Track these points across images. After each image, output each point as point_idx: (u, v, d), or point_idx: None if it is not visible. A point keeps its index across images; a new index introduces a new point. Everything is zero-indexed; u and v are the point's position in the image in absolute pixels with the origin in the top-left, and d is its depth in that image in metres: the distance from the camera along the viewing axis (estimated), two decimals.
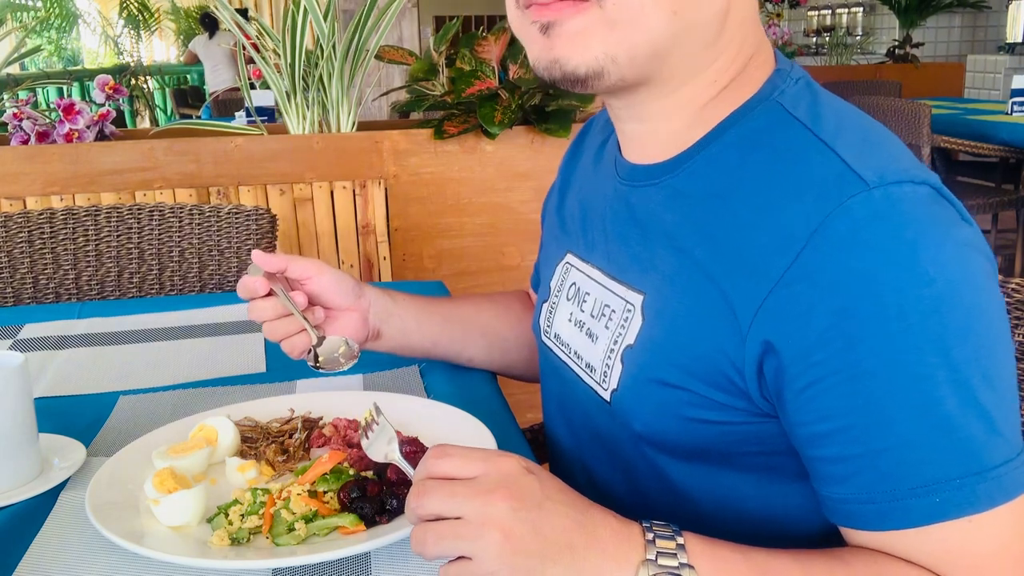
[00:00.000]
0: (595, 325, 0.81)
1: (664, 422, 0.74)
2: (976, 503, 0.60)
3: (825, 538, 0.73)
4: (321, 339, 0.93)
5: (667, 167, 0.76)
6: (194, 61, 8.67)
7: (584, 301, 0.84)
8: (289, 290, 0.93)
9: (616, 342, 0.78)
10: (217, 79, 7.80)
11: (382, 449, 0.74)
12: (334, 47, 2.23)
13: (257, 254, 0.92)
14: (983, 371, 0.61)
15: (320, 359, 0.93)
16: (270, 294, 0.92)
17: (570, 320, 0.87)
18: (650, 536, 0.62)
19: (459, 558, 0.61)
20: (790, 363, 0.64)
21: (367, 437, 0.76)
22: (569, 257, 0.90)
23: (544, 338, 0.93)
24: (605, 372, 0.79)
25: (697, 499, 0.77)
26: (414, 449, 0.76)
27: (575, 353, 0.85)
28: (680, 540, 0.62)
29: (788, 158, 0.67)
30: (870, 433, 0.61)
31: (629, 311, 0.77)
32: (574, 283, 0.87)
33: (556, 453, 0.96)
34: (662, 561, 0.61)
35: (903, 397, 0.60)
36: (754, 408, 0.69)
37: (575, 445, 0.89)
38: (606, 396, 0.79)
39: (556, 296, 0.91)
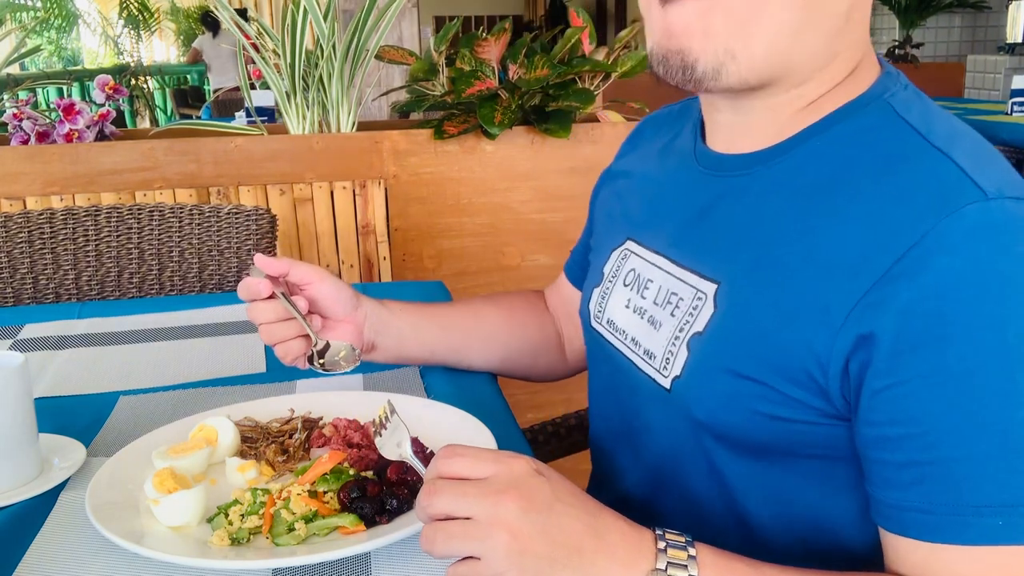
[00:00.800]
0: (659, 312, 0.80)
1: (730, 413, 0.73)
2: None
3: (870, 552, 0.72)
4: (325, 344, 0.93)
5: (762, 157, 0.75)
6: (197, 60, 8.67)
7: (646, 288, 0.83)
8: (289, 295, 0.93)
9: (682, 329, 0.76)
10: (225, 79, 7.80)
11: (395, 449, 0.75)
12: (334, 47, 2.23)
13: (260, 257, 0.92)
14: None
15: (323, 359, 0.93)
16: (271, 296, 0.92)
17: (627, 306, 0.85)
18: (662, 545, 0.62)
19: (467, 558, 0.61)
20: (878, 359, 0.62)
21: (380, 435, 0.76)
22: (629, 244, 0.89)
23: (594, 323, 0.92)
24: (668, 358, 0.77)
25: (747, 496, 0.76)
26: (415, 449, 0.77)
27: (632, 340, 0.84)
28: (692, 552, 0.62)
29: (900, 159, 0.66)
30: (943, 442, 0.60)
31: (700, 299, 0.75)
32: (633, 269, 0.86)
33: (598, 437, 0.96)
34: (672, 572, 0.61)
35: (986, 410, 0.59)
36: (830, 408, 0.68)
37: (624, 431, 0.89)
38: (666, 383, 0.78)
39: (611, 282, 0.90)
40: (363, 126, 2.39)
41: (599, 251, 0.96)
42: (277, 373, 1.10)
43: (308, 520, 0.73)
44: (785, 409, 0.69)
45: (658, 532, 0.63)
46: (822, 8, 0.69)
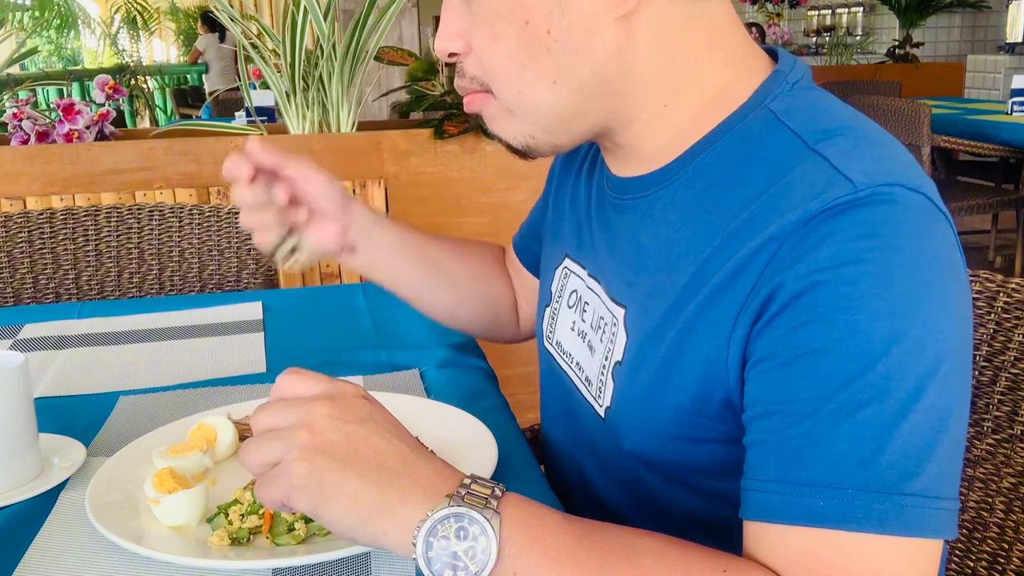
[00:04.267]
0: (593, 337, 0.80)
1: (654, 441, 0.72)
2: (864, 522, 0.56)
3: None
4: (292, 247, 0.91)
5: (656, 179, 0.74)
6: (198, 60, 8.68)
7: (584, 311, 0.83)
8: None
9: (607, 357, 0.76)
10: (226, 80, 7.81)
11: None
12: (334, 47, 2.23)
13: (252, 146, 0.87)
14: (919, 388, 0.57)
15: (278, 254, 0.90)
16: (255, 179, 0.88)
17: (572, 329, 0.85)
18: (468, 481, 0.60)
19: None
20: (749, 353, 0.63)
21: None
22: (567, 262, 0.89)
23: (546, 343, 0.92)
24: (600, 388, 0.77)
25: (683, 523, 0.75)
26: None
27: (577, 364, 0.83)
28: (499, 491, 0.60)
29: (778, 166, 0.65)
30: (784, 419, 0.59)
31: (615, 325, 0.75)
32: (575, 290, 0.86)
33: (553, 457, 0.95)
34: (468, 498, 0.59)
35: (826, 390, 0.57)
36: (743, 427, 0.66)
37: (573, 453, 0.88)
38: (600, 412, 0.77)
39: (557, 302, 0.89)
40: (363, 126, 2.39)
41: (546, 266, 0.95)
42: (277, 373, 1.09)
43: (308, 520, 0.73)
44: (704, 432, 0.69)
45: (471, 475, 0.62)
46: (577, 76, 0.69)
